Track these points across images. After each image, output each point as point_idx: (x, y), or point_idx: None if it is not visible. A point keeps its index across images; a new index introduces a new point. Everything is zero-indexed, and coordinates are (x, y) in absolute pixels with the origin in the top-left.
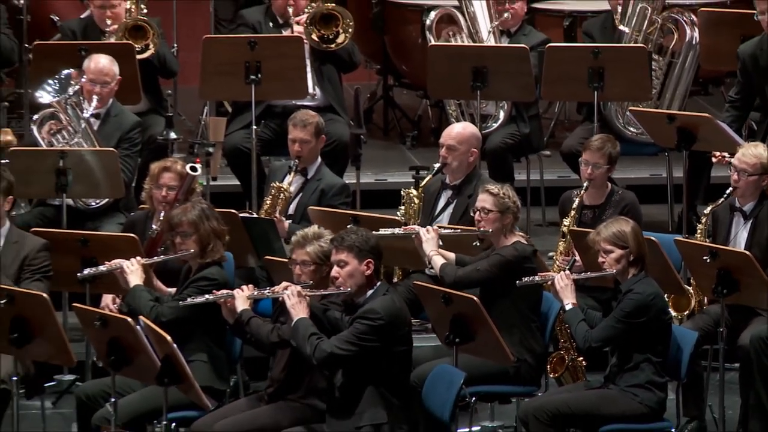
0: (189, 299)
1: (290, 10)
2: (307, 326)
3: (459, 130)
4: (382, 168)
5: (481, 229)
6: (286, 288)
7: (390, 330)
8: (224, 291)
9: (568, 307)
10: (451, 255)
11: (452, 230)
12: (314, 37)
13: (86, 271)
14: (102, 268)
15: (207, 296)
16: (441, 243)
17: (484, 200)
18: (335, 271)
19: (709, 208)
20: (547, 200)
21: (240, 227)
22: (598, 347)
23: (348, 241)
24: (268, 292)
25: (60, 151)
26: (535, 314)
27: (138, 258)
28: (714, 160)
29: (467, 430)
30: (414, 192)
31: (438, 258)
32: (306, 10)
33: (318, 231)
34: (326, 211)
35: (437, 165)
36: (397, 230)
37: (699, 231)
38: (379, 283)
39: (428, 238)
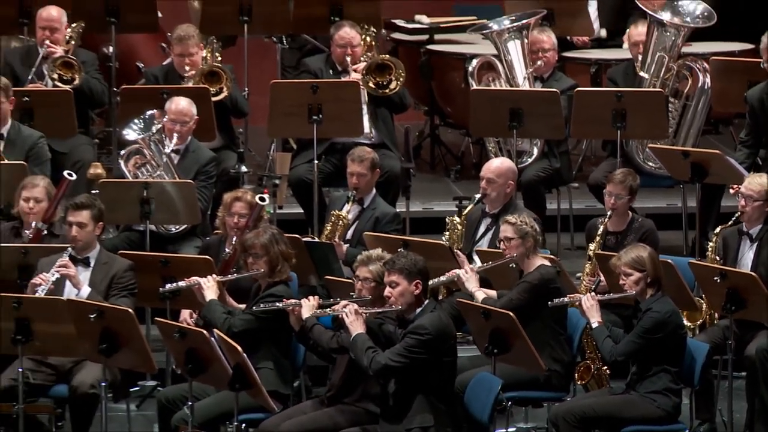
0: (262, 305)
1: (348, 59)
2: (364, 341)
3: (497, 164)
4: (428, 198)
5: (507, 256)
6: (345, 306)
7: (437, 343)
8: (293, 300)
9: (594, 325)
10: (493, 293)
11: (486, 265)
12: (371, 84)
13: (167, 286)
14: (181, 284)
15: (278, 304)
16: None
17: (505, 230)
18: (388, 290)
19: (718, 229)
20: (575, 227)
21: (303, 250)
22: (622, 360)
23: (398, 264)
24: (330, 310)
25: (144, 183)
26: (562, 328)
27: (213, 276)
28: (731, 191)
29: (504, 431)
30: (457, 219)
31: (480, 294)
32: (362, 59)
33: (380, 254)
34: (380, 236)
35: (478, 195)
36: (441, 278)
37: (709, 249)
38: (427, 301)
39: (468, 278)
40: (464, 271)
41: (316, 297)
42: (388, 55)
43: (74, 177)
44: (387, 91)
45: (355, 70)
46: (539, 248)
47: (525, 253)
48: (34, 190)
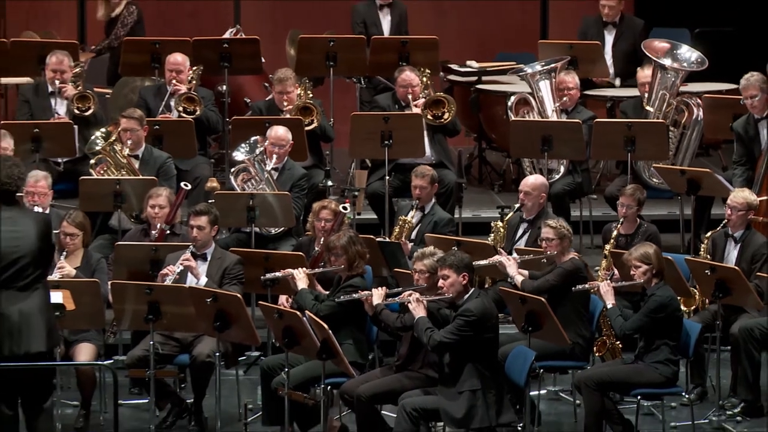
0: (343, 297)
1: (409, 96)
2: (425, 322)
3: (533, 180)
4: (477, 207)
5: (548, 252)
6: (410, 294)
7: (481, 323)
8: (366, 291)
9: (609, 306)
10: (526, 272)
11: (527, 256)
12: (429, 116)
13: (268, 276)
14: (278, 274)
15: (354, 295)
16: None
17: (547, 232)
18: (441, 282)
19: (709, 233)
20: (594, 230)
21: (376, 248)
22: (630, 334)
23: (449, 261)
24: (398, 297)
25: (250, 194)
26: (585, 310)
27: (304, 269)
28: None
29: (537, 392)
30: (500, 224)
31: (518, 277)
32: (421, 95)
33: (432, 250)
34: (437, 237)
35: (517, 205)
36: (484, 261)
37: (702, 249)
38: (473, 289)
39: (509, 264)
40: (506, 258)
41: (384, 288)
42: (441, 92)
43: (189, 187)
44: (442, 120)
45: (415, 105)
46: (572, 248)
47: (561, 251)
48: (158, 198)
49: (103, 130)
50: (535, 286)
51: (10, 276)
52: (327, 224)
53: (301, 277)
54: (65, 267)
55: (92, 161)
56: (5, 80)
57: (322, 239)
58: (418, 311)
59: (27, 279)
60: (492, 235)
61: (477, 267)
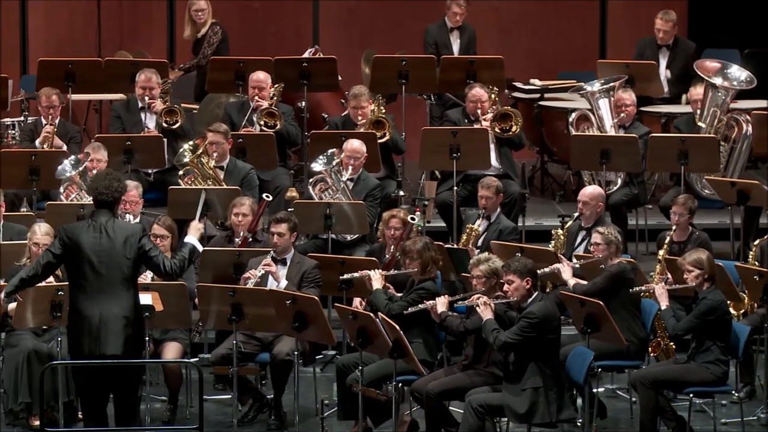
0: (410, 308)
1: (478, 111)
2: (491, 324)
3: (591, 190)
4: (539, 216)
5: (596, 255)
6: (478, 297)
7: (543, 325)
8: (431, 302)
9: (663, 308)
10: (583, 282)
11: (580, 262)
12: (496, 129)
13: (345, 276)
14: (356, 274)
15: (420, 305)
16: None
17: (595, 238)
18: (506, 286)
19: (757, 241)
20: (649, 238)
21: (445, 254)
22: (682, 335)
23: (513, 267)
24: (467, 301)
25: (327, 203)
26: (637, 311)
27: (380, 270)
28: None
29: (595, 390)
30: (560, 231)
31: (571, 280)
32: (489, 110)
33: (487, 256)
34: (502, 244)
35: (576, 213)
36: (546, 270)
37: (750, 256)
38: (536, 293)
39: (565, 270)
40: (562, 265)
41: (447, 296)
42: (508, 107)
43: (270, 198)
44: (510, 133)
45: (484, 119)
46: (620, 253)
47: (608, 256)
48: (242, 207)
49: (190, 143)
50: (584, 289)
51: (95, 280)
52: (396, 232)
53: (377, 278)
54: None
55: (180, 172)
56: (100, 97)
57: (392, 246)
58: (486, 313)
59: (111, 284)
60: (553, 242)
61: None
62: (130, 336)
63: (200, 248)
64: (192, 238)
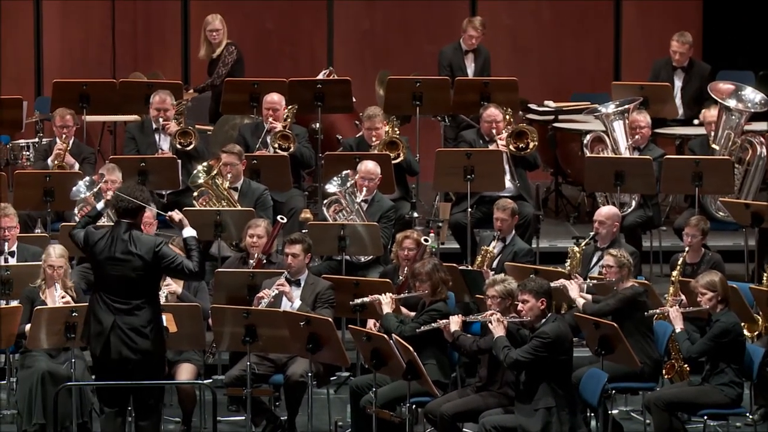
0: (423, 327)
1: (493, 131)
2: (503, 341)
3: (606, 211)
4: (553, 237)
5: (607, 278)
6: (492, 315)
7: (555, 345)
8: (444, 321)
9: (677, 330)
10: (589, 296)
11: (588, 282)
12: (512, 147)
13: (357, 301)
14: (366, 299)
15: (433, 324)
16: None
17: (607, 260)
18: (520, 306)
19: None
20: (664, 260)
21: (459, 276)
22: (696, 357)
23: (529, 286)
24: (481, 317)
25: (341, 225)
26: (650, 332)
27: (390, 294)
28: None
29: (609, 412)
30: (576, 249)
31: (580, 300)
32: (504, 130)
33: (503, 277)
34: (517, 265)
35: (591, 233)
36: (552, 284)
37: (765, 278)
38: (550, 314)
39: (572, 288)
40: (570, 282)
41: (461, 315)
42: (524, 124)
43: (285, 221)
44: (527, 151)
45: (499, 139)
46: (632, 275)
47: (620, 278)
48: (257, 229)
49: (205, 164)
50: (595, 309)
51: (113, 290)
52: (410, 253)
53: (386, 302)
54: (171, 284)
55: (195, 193)
56: (114, 118)
57: (406, 268)
58: (498, 331)
59: (125, 296)
60: (568, 260)
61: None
62: (142, 346)
63: (194, 232)
64: (188, 230)
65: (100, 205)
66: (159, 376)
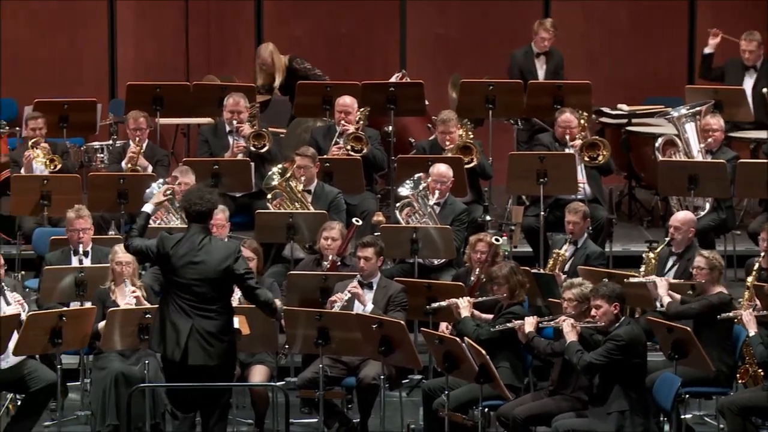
0: (498, 327)
1: (567, 136)
2: (576, 345)
3: (682, 216)
4: (627, 241)
5: (698, 279)
6: (564, 320)
7: (629, 348)
8: (519, 321)
9: (751, 334)
10: (677, 296)
11: (676, 282)
12: (585, 157)
13: (433, 305)
14: (443, 303)
15: (508, 324)
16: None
17: (699, 261)
18: (593, 311)
19: None
20: (737, 264)
21: (532, 279)
22: None
23: (602, 291)
24: (554, 322)
25: (414, 228)
26: (728, 339)
27: (468, 298)
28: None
29: (682, 416)
30: (652, 254)
31: (666, 297)
32: (577, 136)
33: (580, 280)
34: (589, 269)
35: (667, 239)
36: (640, 279)
37: None
38: (623, 318)
39: (661, 285)
40: (659, 279)
41: (536, 317)
42: (597, 136)
43: (360, 223)
44: (597, 161)
45: (573, 145)
46: (721, 280)
47: (710, 281)
48: (332, 231)
49: (279, 166)
50: (679, 310)
51: (191, 295)
52: (482, 255)
53: (464, 306)
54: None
55: (269, 196)
56: (187, 121)
57: (478, 270)
58: (571, 336)
59: (203, 301)
60: (643, 265)
61: (629, 284)
62: (218, 351)
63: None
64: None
65: (149, 208)
66: (230, 380)
